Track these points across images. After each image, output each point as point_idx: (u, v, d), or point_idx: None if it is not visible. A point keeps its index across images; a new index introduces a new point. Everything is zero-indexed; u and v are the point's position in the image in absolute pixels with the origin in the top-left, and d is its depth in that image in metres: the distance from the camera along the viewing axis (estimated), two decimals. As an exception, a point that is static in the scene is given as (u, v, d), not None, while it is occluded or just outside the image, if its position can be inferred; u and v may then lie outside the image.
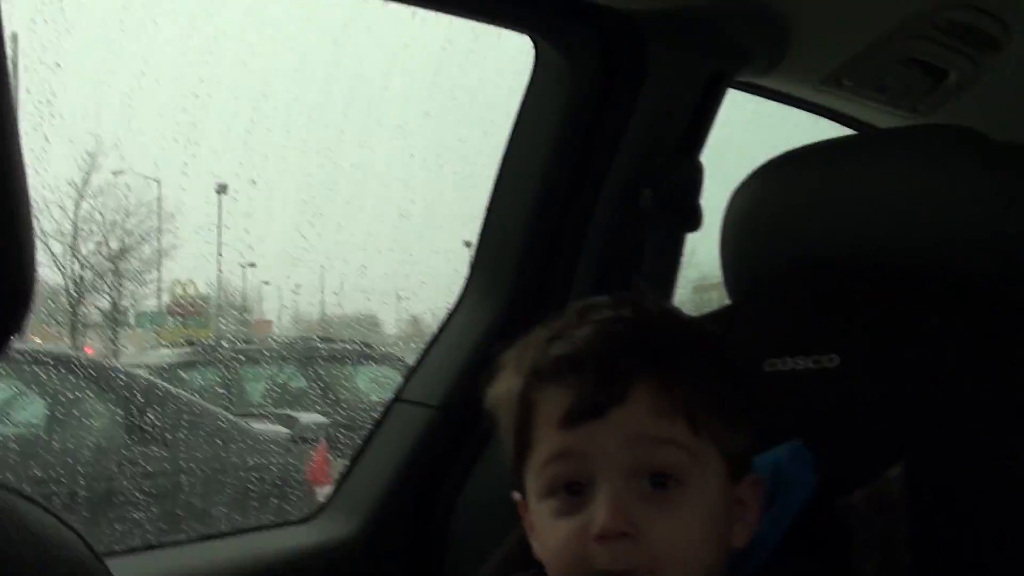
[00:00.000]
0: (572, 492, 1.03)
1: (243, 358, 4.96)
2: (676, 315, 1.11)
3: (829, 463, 1.15)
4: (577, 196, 1.83)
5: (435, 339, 1.89)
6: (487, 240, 1.88)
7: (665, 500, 1.01)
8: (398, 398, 1.86)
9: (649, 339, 1.04)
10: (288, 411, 4.46)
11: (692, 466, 1.01)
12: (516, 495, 1.12)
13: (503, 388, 1.10)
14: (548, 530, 1.05)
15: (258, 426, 4.06)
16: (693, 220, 1.86)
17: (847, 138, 1.61)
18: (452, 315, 1.89)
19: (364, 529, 1.73)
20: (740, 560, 1.07)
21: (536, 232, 1.83)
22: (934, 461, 1.10)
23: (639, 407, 1.00)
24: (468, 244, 1.97)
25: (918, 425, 1.13)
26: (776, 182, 1.37)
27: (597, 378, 1.01)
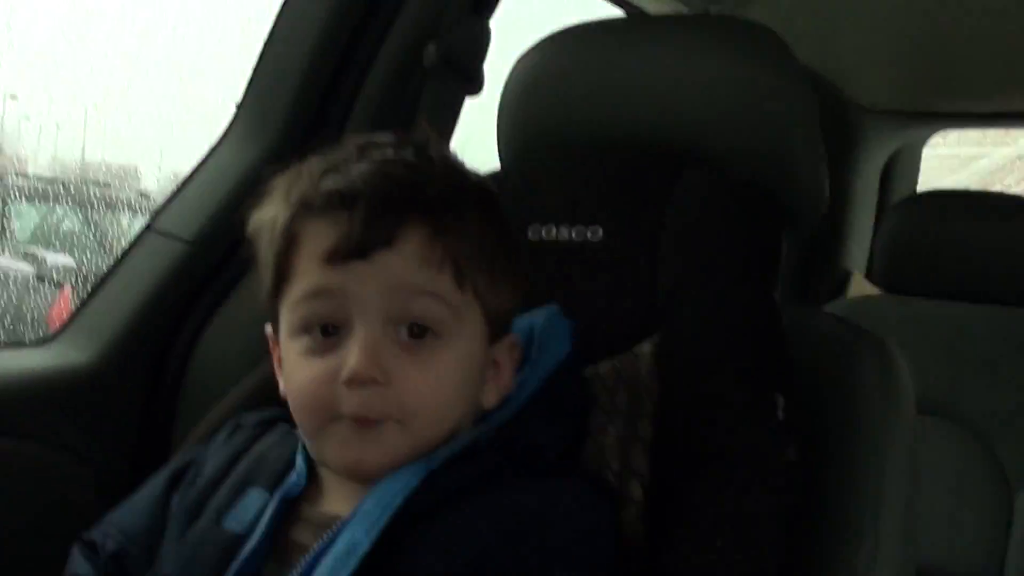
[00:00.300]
0: (326, 332, 1.00)
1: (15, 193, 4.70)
2: (457, 165, 1.07)
3: (586, 334, 1.16)
4: (358, 43, 1.79)
5: (194, 172, 1.83)
6: (259, 80, 1.82)
7: (420, 351, 0.99)
8: (149, 227, 1.80)
9: (426, 185, 1.01)
10: (36, 250, 4.28)
11: (451, 320, 1.00)
12: (268, 328, 1.09)
13: (268, 215, 1.05)
14: (296, 368, 1.02)
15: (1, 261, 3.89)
16: (475, 83, 1.84)
17: (635, 18, 1.62)
18: (214, 150, 1.83)
19: (101, 356, 1.68)
20: (485, 419, 1.07)
21: (310, 76, 1.79)
22: (684, 338, 1.13)
23: (406, 253, 0.98)
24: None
25: (672, 302, 1.16)
26: (555, 57, 1.36)
27: (368, 217, 0.97)
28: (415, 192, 1.00)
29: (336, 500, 1.03)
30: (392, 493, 0.97)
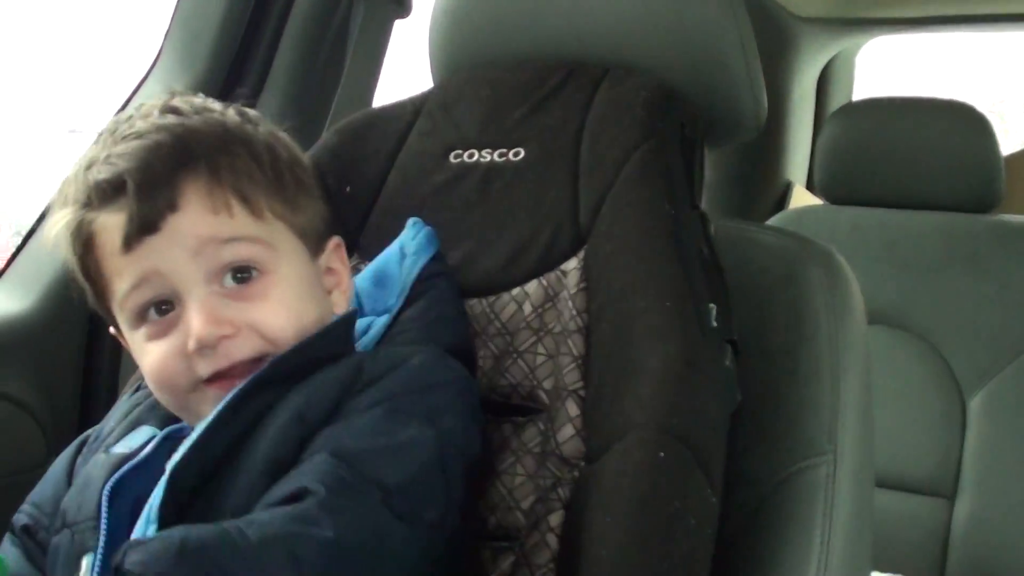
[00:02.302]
0: (160, 311, 1.00)
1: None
2: (208, 108, 1.06)
3: (512, 254, 1.16)
4: (284, -32, 1.76)
5: (121, 111, 1.79)
6: (184, 7, 1.79)
7: (253, 291, 1.01)
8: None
9: (189, 140, 1.00)
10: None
11: (267, 254, 1.01)
12: (111, 330, 1.09)
13: (56, 228, 1.04)
14: (145, 354, 1.02)
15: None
16: (404, 6, 1.82)
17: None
18: (143, 83, 1.80)
19: (37, 305, 1.66)
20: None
21: (237, 5, 1.75)
22: (608, 254, 1.11)
23: (193, 210, 0.98)
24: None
25: (594, 217, 1.14)
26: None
27: (141, 193, 0.97)
28: (181, 149, 0.99)
29: None
30: (233, 391, 0.98)
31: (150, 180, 0.97)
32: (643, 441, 1.00)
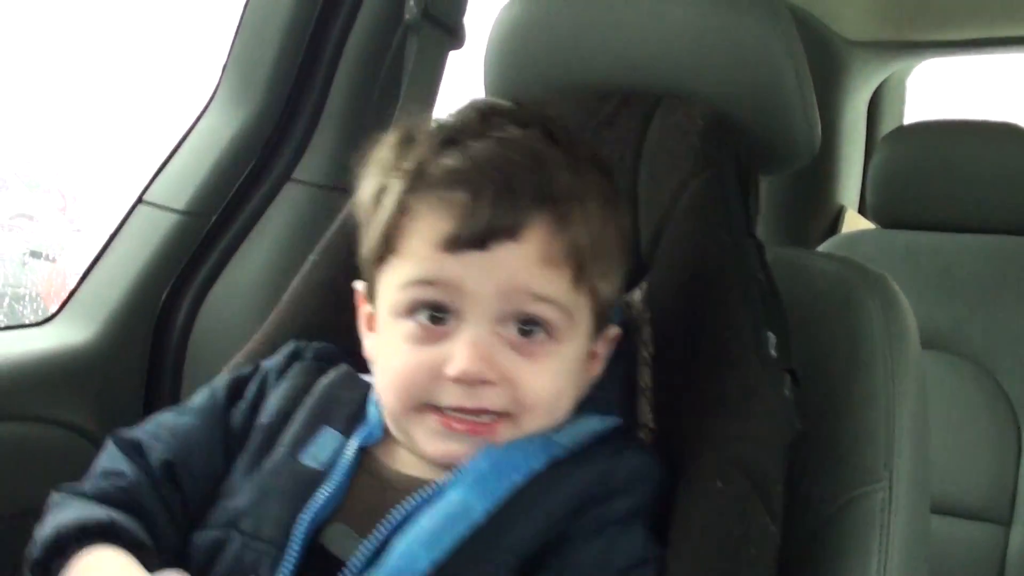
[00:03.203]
0: (434, 320, 0.96)
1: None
2: (580, 148, 1.02)
3: None
4: (338, 2, 1.78)
5: (181, 140, 1.82)
6: (240, 44, 1.81)
7: (532, 350, 0.96)
8: (141, 200, 1.79)
9: (552, 172, 0.96)
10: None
11: (565, 323, 0.97)
12: (359, 285, 1.06)
13: (376, 185, 1.01)
14: (397, 352, 0.98)
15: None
16: (457, 36, 1.83)
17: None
18: (200, 117, 1.83)
19: (100, 335, 1.68)
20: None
21: (292, 35, 1.78)
22: (670, 285, 1.12)
23: (528, 248, 0.94)
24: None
25: (655, 247, 1.15)
26: (536, 5, 1.35)
27: (492, 206, 0.92)
28: (541, 180, 0.95)
29: (413, 464, 1.01)
30: (512, 466, 0.96)
31: (505, 195, 0.93)
32: (702, 471, 1.00)
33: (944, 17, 2.74)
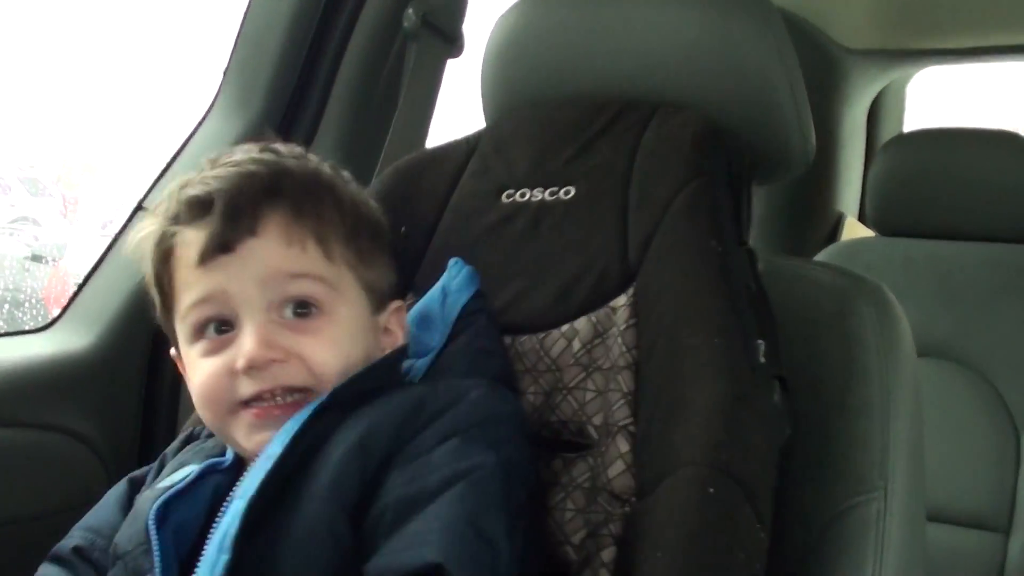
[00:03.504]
0: (220, 332, 1.05)
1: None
2: (308, 158, 1.13)
3: (562, 291, 1.18)
4: (337, 11, 1.79)
5: (181, 148, 1.83)
6: (240, 51, 1.82)
7: (309, 326, 1.05)
8: (140, 206, 1.80)
9: (281, 176, 1.07)
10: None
11: (330, 294, 1.06)
12: (172, 352, 1.13)
13: (140, 236, 1.11)
14: (196, 369, 1.06)
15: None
16: (456, 45, 1.84)
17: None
18: (201, 124, 1.83)
19: (100, 341, 1.68)
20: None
21: (292, 44, 1.78)
22: (657, 291, 1.12)
23: (271, 239, 1.03)
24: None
25: (643, 255, 1.15)
26: (534, 15, 1.36)
27: (226, 213, 1.03)
28: (271, 182, 1.05)
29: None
30: (295, 420, 1.00)
31: (236, 203, 1.03)
32: (692, 477, 1.01)
33: (943, 25, 2.75)
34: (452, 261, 1.20)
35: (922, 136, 2.54)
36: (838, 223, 2.93)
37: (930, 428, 1.21)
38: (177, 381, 1.72)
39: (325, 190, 1.09)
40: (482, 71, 1.39)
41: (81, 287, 1.77)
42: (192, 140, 1.82)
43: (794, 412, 1.10)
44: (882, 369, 1.15)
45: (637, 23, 1.27)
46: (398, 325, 1.14)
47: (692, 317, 1.09)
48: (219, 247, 1.03)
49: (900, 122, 3.15)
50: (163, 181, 1.80)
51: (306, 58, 1.79)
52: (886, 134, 3.03)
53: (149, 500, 1.06)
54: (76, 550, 1.12)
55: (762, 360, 1.08)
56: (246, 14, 1.81)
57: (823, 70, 2.78)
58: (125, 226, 1.79)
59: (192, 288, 1.05)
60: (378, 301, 1.12)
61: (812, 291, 1.22)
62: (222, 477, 1.07)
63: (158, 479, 1.14)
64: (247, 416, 1.03)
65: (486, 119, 1.41)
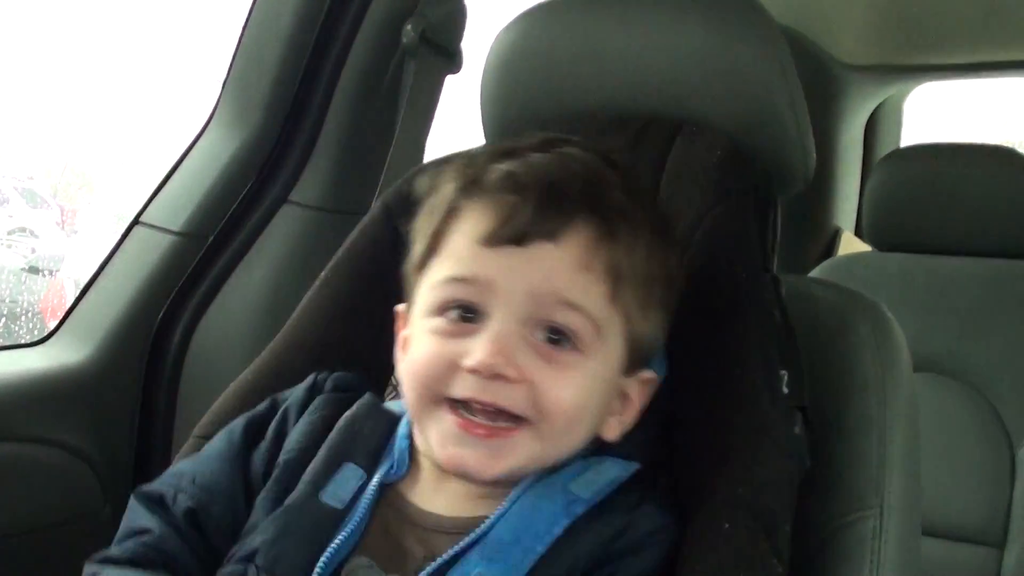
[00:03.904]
0: (464, 318, 0.96)
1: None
2: (639, 178, 1.05)
3: None
4: (336, 24, 1.79)
5: (179, 162, 1.83)
6: (238, 66, 1.82)
7: (557, 358, 0.96)
8: (137, 220, 1.80)
9: (604, 187, 0.98)
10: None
11: (594, 337, 0.96)
12: (401, 307, 1.06)
13: (436, 189, 1.03)
14: (420, 344, 0.99)
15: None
16: (454, 61, 1.84)
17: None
18: (197, 140, 1.84)
19: (95, 355, 1.69)
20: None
21: (291, 59, 1.79)
22: (685, 319, 1.10)
23: (567, 253, 0.95)
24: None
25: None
26: (532, 31, 1.36)
27: (536, 205, 0.94)
28: (591, 190, 0.97)
29: (434, 496, 1.01)
30: (534, 536, 0.94)
31: (555, 199, 0.95)
32: (711, 513, 1.00)
33: (941, 41, 2.76)
34: None
35: (919, 151, 2.55)
36: (835, 238, 2.93)
37: (926, 442, 1.20)
38: (173, 394, 1.72)
39: (644, 223, 0.99)
40: (481, 87, 1.39)
41: (77, 300, 1.77)
42: (190, 154, 1.82)
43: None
44: (879, 386, 1.15)
45: (637, 40, 1.27)
46: (639, 397, 1.03)
47: (716, 347, 1.08)
48: (512, 237, 0.94)
49: (897, 137, 3.16)
50: (160, 196, 1.80)
51: (305, 72, 1.79)
52: (883, 149, 3.04)
53: (311, 517, 0.98)
54: (189, 513, 1.02)
55: (785, 391, 1.06)
56: (245, 27, 1.81)
57: (821, 85, 2.79)
58: (121, 241, 1.79)
59: (461, 263, 0.97)
60: (633, 361, 1.01)
61: (809, 308, 1.22)
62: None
63: (309, 466, 1.03)
64: (449, 418, 0.95)
65: (485, 135, 1.40)
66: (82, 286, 1.81)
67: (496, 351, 0.93)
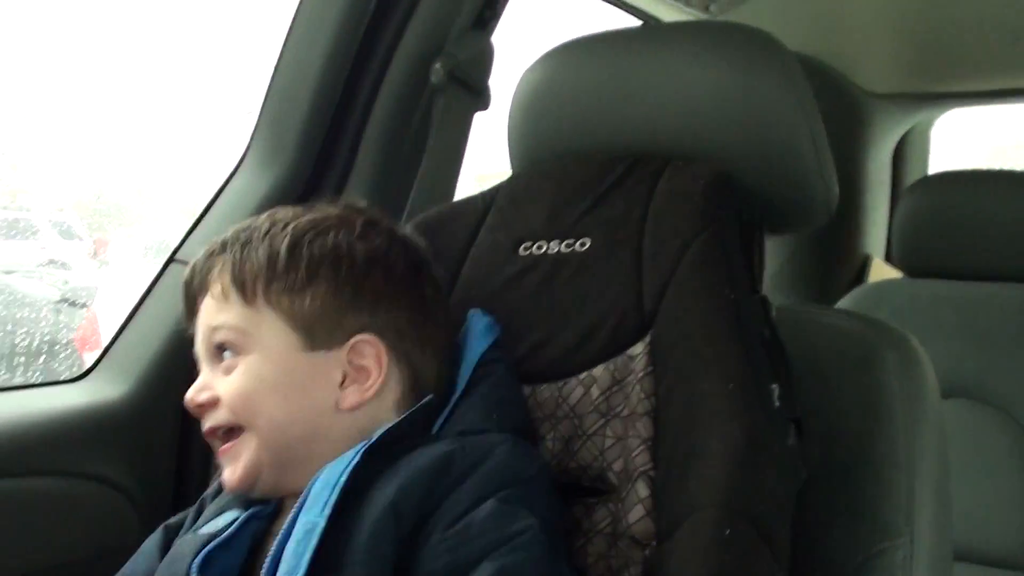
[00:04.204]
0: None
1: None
2: (288, 221, 1.18)
3: (580, 341, 1.20)
4: (366, 64, 1.81)
5: (212, 202, 1.85)
6: (270, 106, 1.85)
7: (227, 367, 1.13)
8: (173, 258, 1.82)
9: (230, 238, 1.17)
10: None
11: (243, 338, 1.12)
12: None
13: None
14: None
15: (25, 284, 3.90)
16: (483, 98, 1.86)
17: (635, 29, 1.63)
18: (230, 179, 1.86)
19: (135, 390, 1.70)
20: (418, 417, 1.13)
21: (322, 99, 1.81)
22: (673, 340, 1.14)
23: (212, 296, 1.15)
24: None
25: (659, 304, 1.17)
26: (556, 69, 1.38)
27: (193, 281, 1.17)
28: (223, 245, 1.17)
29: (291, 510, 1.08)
30: (337, 472, 1.03)
31: (203, 269, 1.17)
32: (709, 520, 1.02)
33: (967, 68, 2.76)
34: (471, 312, 1.23)
35: (947, 178, 2.54)
36: (865, 265, 2.93)
37: (957, 468, 1.21)
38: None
39: (265, 235, 1.15)
40: (509, 124, 1.42)
41: (116, 337, 1.79)
42: (223, 194, 1.84)
43: (814, 456, 1.11)
44: (907, 416, 1.16)
45: (658, 77, 1.29)
46: (372, 360, 1.14)
47: (707, 364, 1.11)
48: (190, 311, 1.18)
49: (925, 164, 3.16)
50: (195, 234, 1.83)
51: (336, 112, 1.81)
52: (911, 176, 3.04)
53: (190, 545, 1.09)
54: None
55: (777, 404, 1.09)
56: (276, 68, 1.83)
57: (847, 115, 2.80)
58: (157, 278, 1.81)
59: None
60: (319, 336, 1.13)
61: (837, 339, 1.24)
62: (262, 522, 1.11)
63: (197, 524, 1.17)
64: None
65: (513, 168, 1.43)
66: (116, 319, 1.83)
67: (193, 388, 1.14)
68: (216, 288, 1.14)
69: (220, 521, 1.12)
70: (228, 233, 1.17)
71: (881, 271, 2.90)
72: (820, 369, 1.18)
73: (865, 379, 1.19)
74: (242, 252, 1.14)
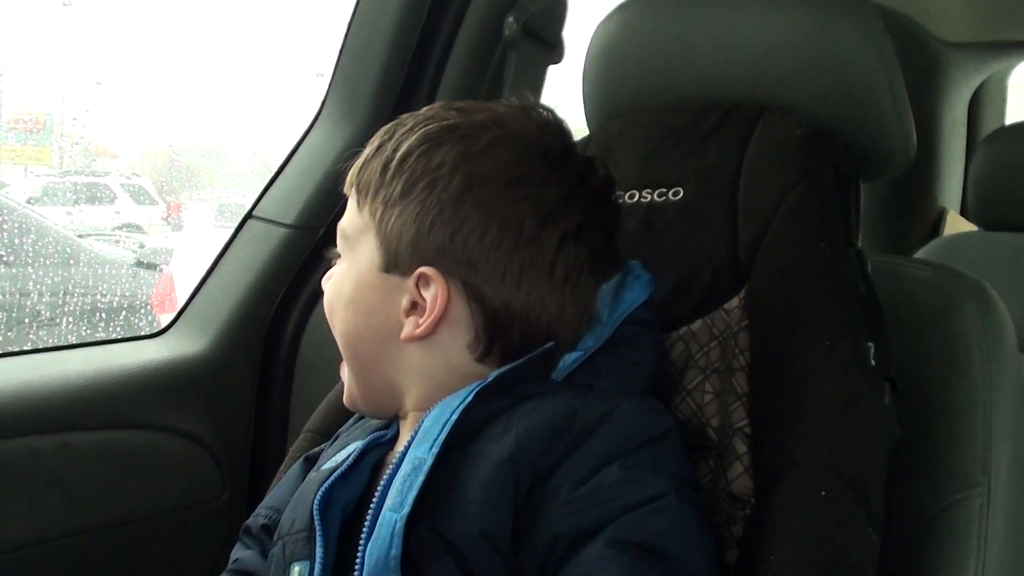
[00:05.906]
0: None
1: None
2: (425, 121, 1.11)
3: (675, 293, 1.19)
4: (439, 20, 1.82)
5: (289, 157, 1.88)
6: (346, 62, 1.86)
7: (333, 273, 1.14)
8: (250, 215, 1.85)
9: (386, 130, 1.14)
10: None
11: (345, 246, 1.12)
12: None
13: None
14: None
15: (104, 248, 3.97)
16: (556, 51, 1.86)
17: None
18: (307, 134, 1.88)
19: (213, 345, 1.74)
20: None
21: (394, 54, 1.82)
22: (769, 294, 1.14)
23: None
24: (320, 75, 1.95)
25: (754, 257, 1.16)
26: (632, 20, 1.37)
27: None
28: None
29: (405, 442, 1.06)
30: (449, 409, 1.00)
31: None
32: (804, 480, 1.02)
33: (1045, 16, 2.71)
34: (631, 263, 1.14)
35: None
36: (940, 218, 2.90)
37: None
38: (288, 383, 1.77)
39: (400, 131, 1.11)
40: (583, 77, 1.41)
41: (194, 293, 1.82)
42: (300, 149, 1.86)
43: (898, 408, 1.11)
44: (984, 365, 1.15)
45: (736, 26, 1.28)
46: (430, 298, 1.05)
47: (802, 320, 1.10)
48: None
49: (1002, 114, 3.11)
50: (271, 191, 1.85)
51: (410, 67, 1.82)
52: (987, 127, 2.99)
53: (313, 484, 1.06)
54: (264, 528, 1.16)
55: (872, 362, 1.08)
56: (350, 24, 1.85)
57: (922, 65, 2.76)
58: (235, 235, 1.84)
59: None
60: (393, 257, 1.07)
61: (914, 289, 1.23)
62: (383, 449, 1.09)
63: (320, 460, 1.16)
64: None
65: (588, 124, 1.42)
66: (193, 279, 1.86)
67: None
68: (349, 186, 1.13)
69: (341, 455, 1.09)
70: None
71: (956, 224, 2.87)
72: (898, 318, 1.16)
73: (943, 329, 1.18)
74: (373, 152, 1.11)
